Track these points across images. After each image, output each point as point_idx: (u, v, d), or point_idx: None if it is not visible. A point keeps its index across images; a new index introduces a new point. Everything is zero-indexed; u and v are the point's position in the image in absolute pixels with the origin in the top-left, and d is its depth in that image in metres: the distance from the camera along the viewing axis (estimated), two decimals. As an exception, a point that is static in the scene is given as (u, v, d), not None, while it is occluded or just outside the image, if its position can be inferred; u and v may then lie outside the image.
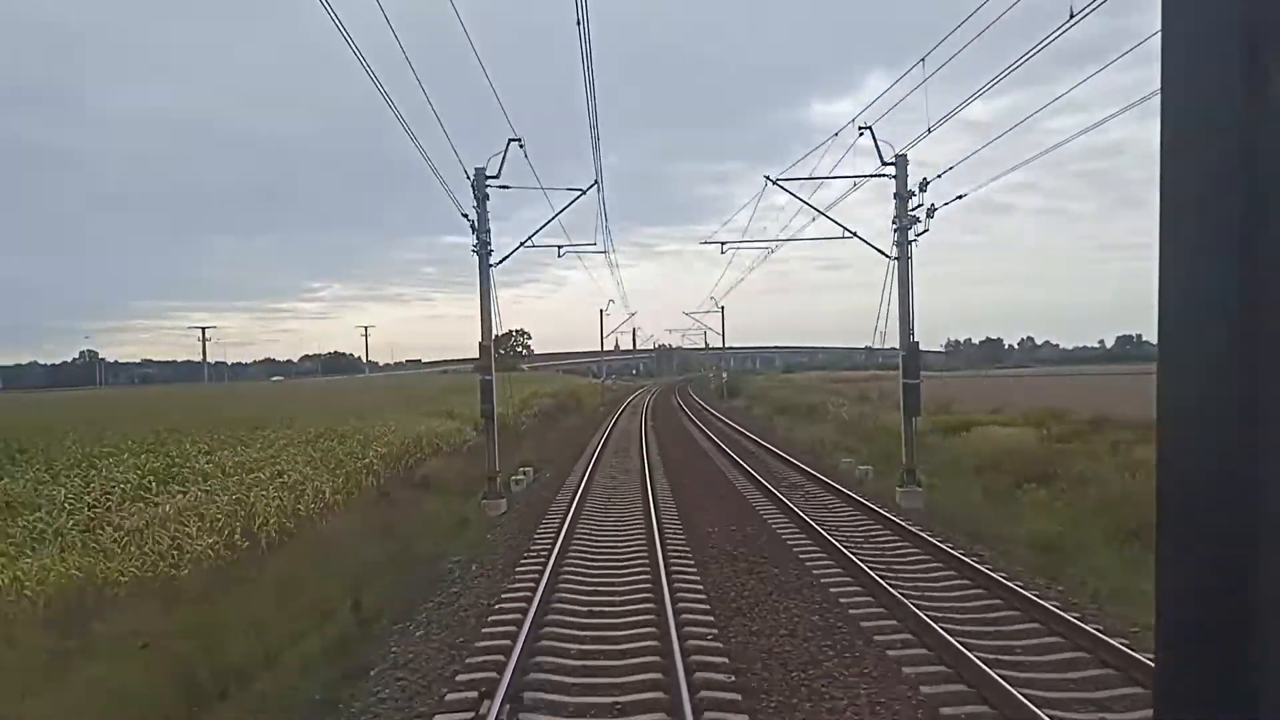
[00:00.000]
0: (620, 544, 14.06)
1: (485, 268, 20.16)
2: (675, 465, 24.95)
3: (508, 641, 8.97)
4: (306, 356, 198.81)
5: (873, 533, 14.50)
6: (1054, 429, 24.50)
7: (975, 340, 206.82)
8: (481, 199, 19.81)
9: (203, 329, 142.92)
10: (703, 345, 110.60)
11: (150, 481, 17.38)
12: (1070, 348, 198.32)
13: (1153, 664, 1.03)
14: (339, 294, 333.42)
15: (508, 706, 7.34)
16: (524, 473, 22.90)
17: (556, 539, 13.91)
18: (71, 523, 14.18)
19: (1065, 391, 42.05)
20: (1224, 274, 0.92)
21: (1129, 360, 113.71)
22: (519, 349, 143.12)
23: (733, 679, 7.94)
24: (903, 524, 14.38)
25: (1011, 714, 6.97)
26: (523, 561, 12.92)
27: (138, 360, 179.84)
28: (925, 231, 17.90)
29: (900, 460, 18.59)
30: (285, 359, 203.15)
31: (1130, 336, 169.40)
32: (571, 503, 17.70)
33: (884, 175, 18.56)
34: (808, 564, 12.36)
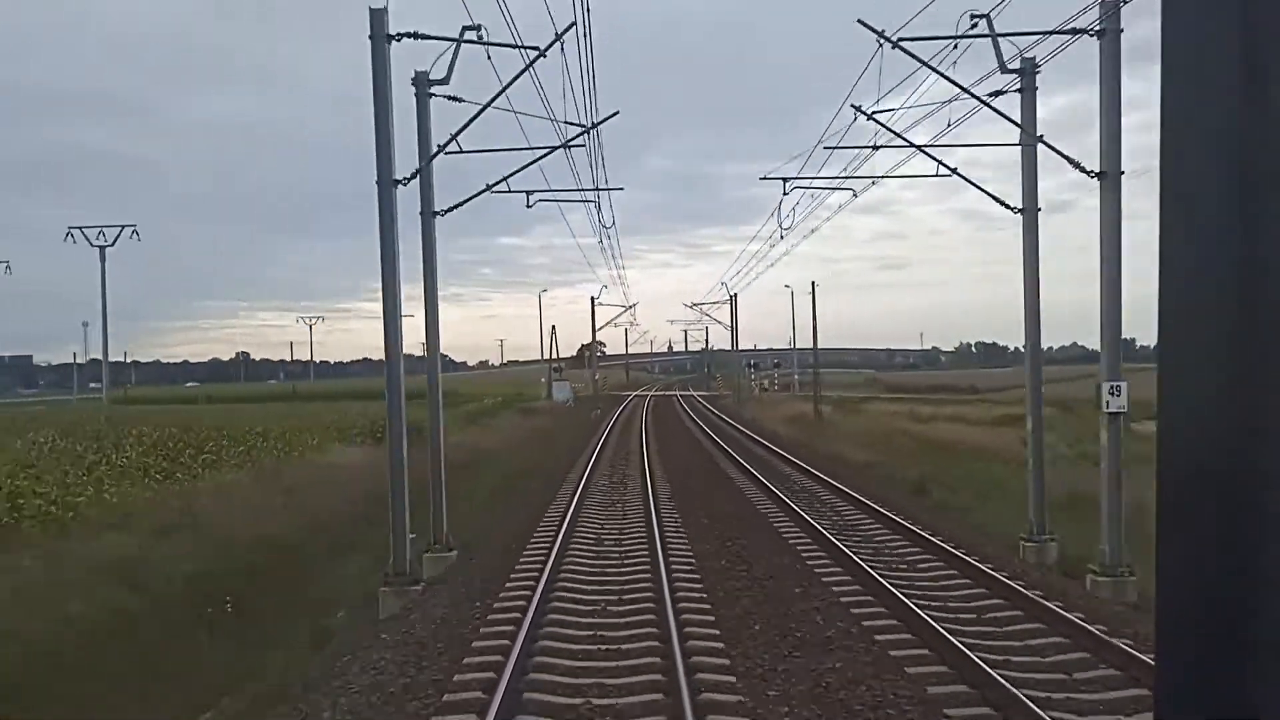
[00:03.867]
0: (645, 396, 79.85)
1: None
2: (665, 395, 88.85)
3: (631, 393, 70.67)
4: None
5: (700, 402, 78.45)
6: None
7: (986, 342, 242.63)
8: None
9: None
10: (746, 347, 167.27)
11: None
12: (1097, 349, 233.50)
13: (1153, 664, 1.04)
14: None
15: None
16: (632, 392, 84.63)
17: (633, 393, 77.76)
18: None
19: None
20: (1224, 274, 0.94)
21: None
22: (598, 355, 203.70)
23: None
24: (706, 402, 79.53)
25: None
26: (632, 398, 75.66)
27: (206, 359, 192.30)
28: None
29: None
30: (379, 359, 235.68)
31: (1126, 340, 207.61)
32: (634, 392, 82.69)
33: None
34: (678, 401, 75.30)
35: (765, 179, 20.74)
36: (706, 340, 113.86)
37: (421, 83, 14.24)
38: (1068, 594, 11.20)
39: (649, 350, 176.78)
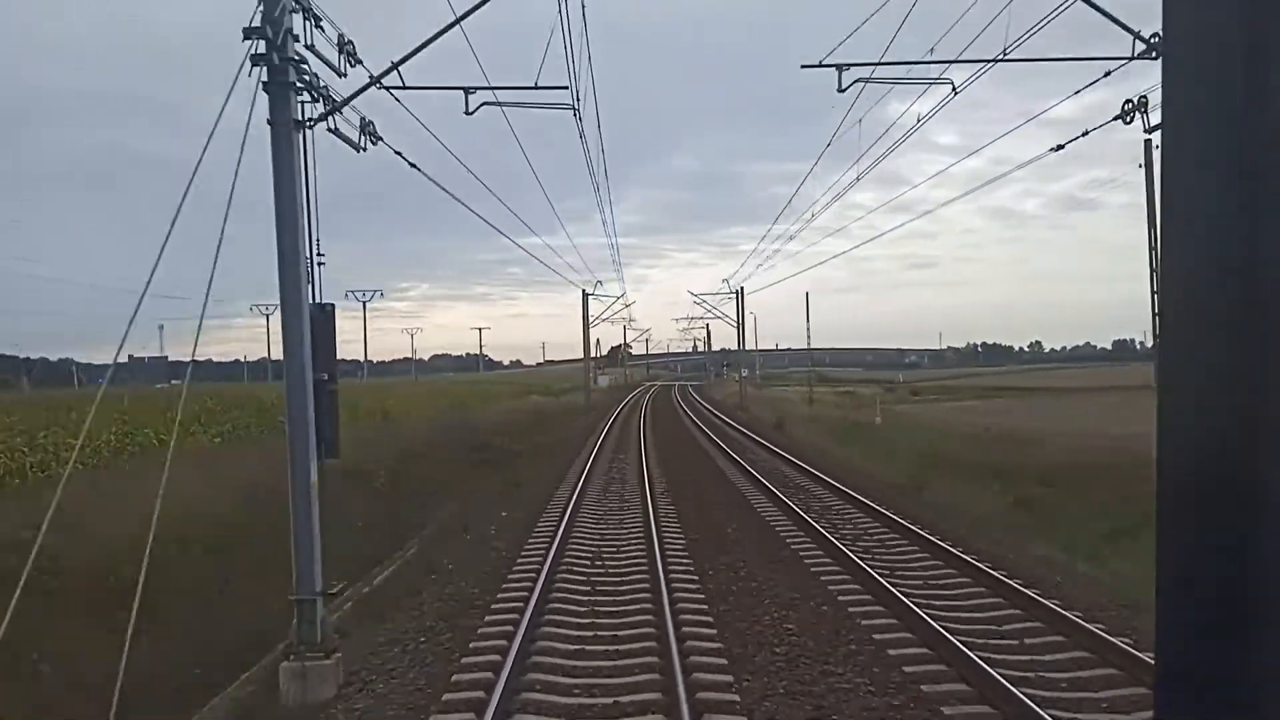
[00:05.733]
0: (654, 385, 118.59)
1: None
2: (669, 385, 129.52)
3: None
4: (436, 356, 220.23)
5: (688, 389, 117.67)
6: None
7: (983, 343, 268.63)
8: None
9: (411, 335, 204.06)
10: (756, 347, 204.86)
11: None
12: (1109, 348, 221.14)
13: (1153, 663, 1.07)
14: (427, 294, 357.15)
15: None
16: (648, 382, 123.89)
17: (648, 382, 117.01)
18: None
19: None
20: (1224, 276, 0.95)
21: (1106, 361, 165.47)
22: (626, 356, 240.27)
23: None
24: (692, 389, 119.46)
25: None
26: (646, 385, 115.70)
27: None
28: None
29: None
30: (419, 358, 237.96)
31: (1125, 340, 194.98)
32: (649, 382, 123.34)
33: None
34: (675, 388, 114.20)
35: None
36: (707, 345, 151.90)
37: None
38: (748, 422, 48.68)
39: (666, 351, 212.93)
